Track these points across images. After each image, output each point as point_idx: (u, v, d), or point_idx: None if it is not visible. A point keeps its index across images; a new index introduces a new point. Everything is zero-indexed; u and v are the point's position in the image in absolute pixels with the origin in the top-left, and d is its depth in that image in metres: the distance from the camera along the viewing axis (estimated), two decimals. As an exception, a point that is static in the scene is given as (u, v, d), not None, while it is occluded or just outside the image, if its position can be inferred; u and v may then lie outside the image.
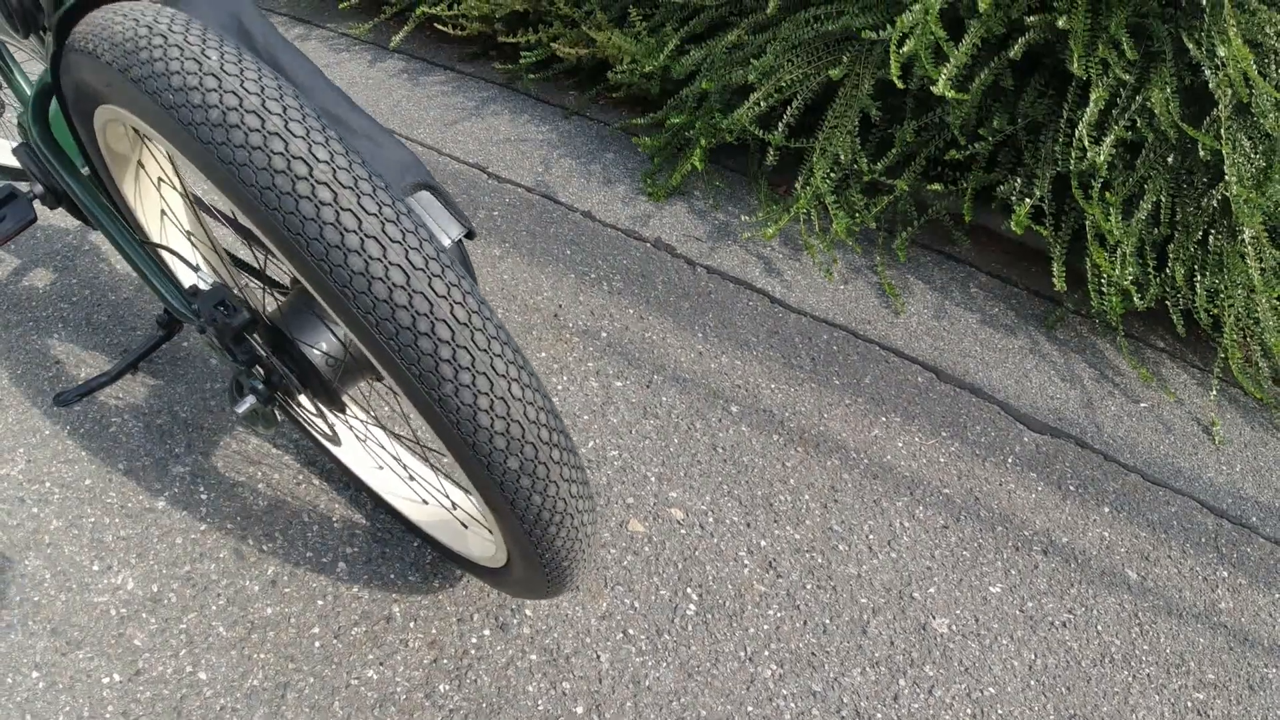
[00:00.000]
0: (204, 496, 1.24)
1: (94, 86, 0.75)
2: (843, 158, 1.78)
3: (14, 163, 2.08)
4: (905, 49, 1.57)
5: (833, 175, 1.82)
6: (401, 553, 1.19)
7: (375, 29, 2.58)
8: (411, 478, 1.17)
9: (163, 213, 1.07)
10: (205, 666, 1.05)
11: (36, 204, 1.39)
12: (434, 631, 1.11)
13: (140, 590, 1.12)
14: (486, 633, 1.12)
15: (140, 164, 0.99)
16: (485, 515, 0.83)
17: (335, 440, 0.97)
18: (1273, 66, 1.45)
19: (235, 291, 0.91)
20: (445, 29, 2.37)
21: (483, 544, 1.00)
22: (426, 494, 1.13)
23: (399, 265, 0.58)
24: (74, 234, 1.70)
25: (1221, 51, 1.37)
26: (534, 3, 2.18)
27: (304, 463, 1.30)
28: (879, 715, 1.11)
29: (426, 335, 0.59)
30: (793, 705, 1.10)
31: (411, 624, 1.12)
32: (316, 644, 1.08)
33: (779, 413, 1.50)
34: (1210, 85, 1.48)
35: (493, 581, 1.04)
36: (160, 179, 1.03)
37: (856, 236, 1.92)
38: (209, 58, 0.61)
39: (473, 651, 1.10)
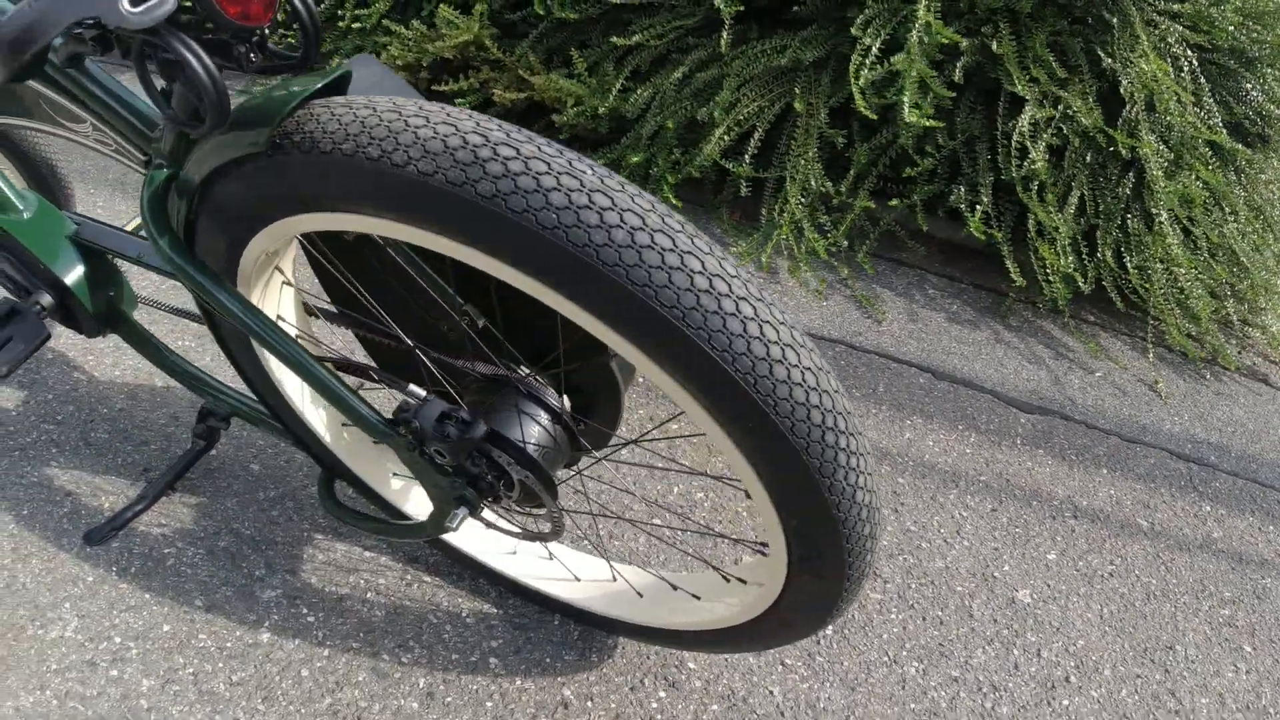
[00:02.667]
0: (311, 619, 1.14)
1: (338, 193, 0.68)
2: (812, 183, 1.90)
3: None
4: (863, 77, 1.72)
5: (804, 200, 1.94)
6: (547, 634, 1.16)
7: (275, 84, 2.40)
8: (548, 557, 1.15)
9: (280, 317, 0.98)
10: (398, 798, 0.98)
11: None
12: (613, 705, 1.10)
13: (288, 734, 1.02)
14: (662, 694, 1.12)
15: (279, 270, 0.91)
16: (753, 581, 0.85)
17: (555, 533, 0.94)
18: (1173, 70, 1.73)
19: (442, 399, 0.85)
20: (360, 81, 2.26)
21: (689, 611, 1.00)
22: (599, 574, 1.12)
23: (810, 369, 0.61)
24: (24, 348, 1.47)
25: (1144, 65, 1.62)
26: (462, 49, 2.14)
27: (405, 561, 1.22)
28: (1010, 684, 1.23)
29: (831, 429, 0.62)
30: (943, 694, 1.19)
31: (589, 703, 1.09)
32: (505, 747, 1.04)
33: (822, 429, 1.59)
34: (1122, 90, 1.74)
35: (688, 644, 1.05)
36: (285, 283, 0.95)
37: (830, 253, 2.05)
38: (583, 171, 0.60)
39: (658, 717, 1.09)
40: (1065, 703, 1.23)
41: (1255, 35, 1.70)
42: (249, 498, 1.28)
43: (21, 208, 1.20)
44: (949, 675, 1.22)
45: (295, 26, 0.72)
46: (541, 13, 2.06)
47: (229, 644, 1.10)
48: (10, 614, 1.10)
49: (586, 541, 1.28)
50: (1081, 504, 1.56)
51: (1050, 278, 1.87)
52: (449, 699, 1.07)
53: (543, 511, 0.90)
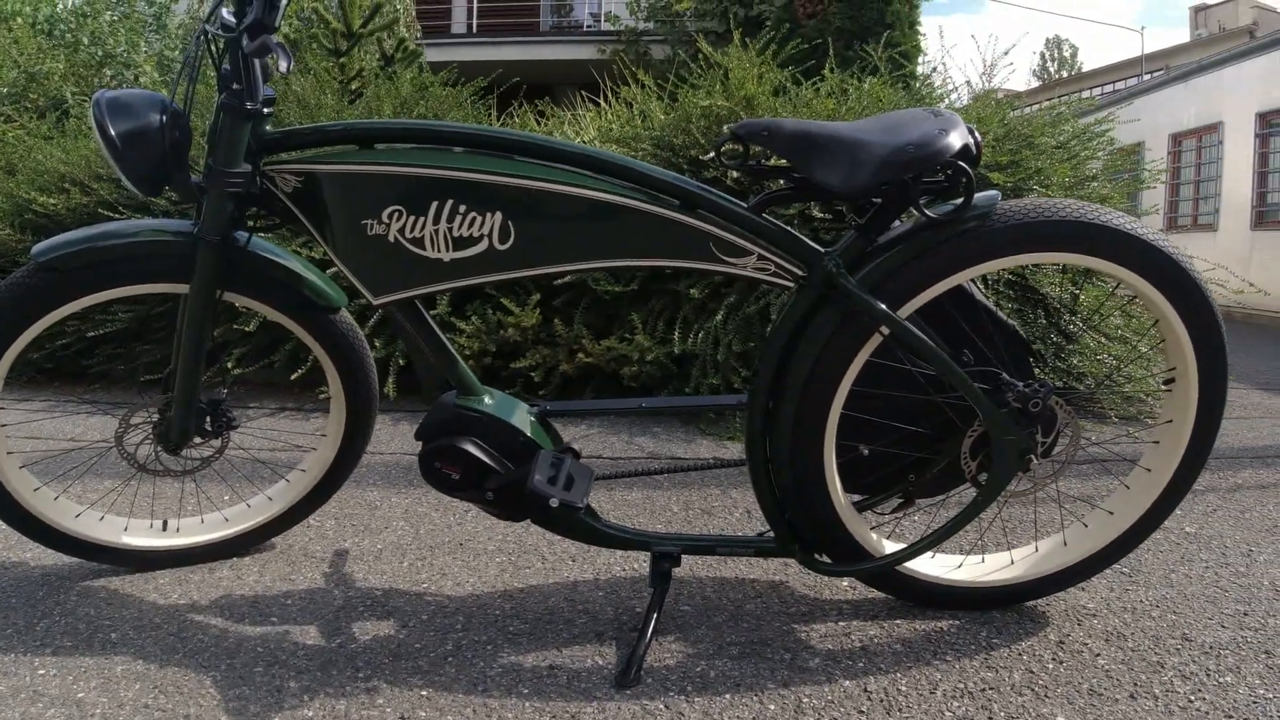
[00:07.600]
0: (851, 685, 1.25)
1: (1015, 241, 1.18)
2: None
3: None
4: None
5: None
6: (999, 622, 1.37)
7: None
8: (981, 560, 1.41)
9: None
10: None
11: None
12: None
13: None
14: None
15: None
16: None
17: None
18: None
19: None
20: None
21: (1103, 532, 1.34)
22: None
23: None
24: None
25: None
26: (524, 332, 2.48)
27: (890, 614, 1.37)
28: None
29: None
30: None
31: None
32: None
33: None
34: None
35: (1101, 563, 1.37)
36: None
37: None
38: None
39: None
40: None
41: None
42: (711, 622, 1.36)
43: (484, 396, 1.34)
44: None
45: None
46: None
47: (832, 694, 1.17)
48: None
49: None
50: None
51: None
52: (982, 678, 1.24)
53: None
